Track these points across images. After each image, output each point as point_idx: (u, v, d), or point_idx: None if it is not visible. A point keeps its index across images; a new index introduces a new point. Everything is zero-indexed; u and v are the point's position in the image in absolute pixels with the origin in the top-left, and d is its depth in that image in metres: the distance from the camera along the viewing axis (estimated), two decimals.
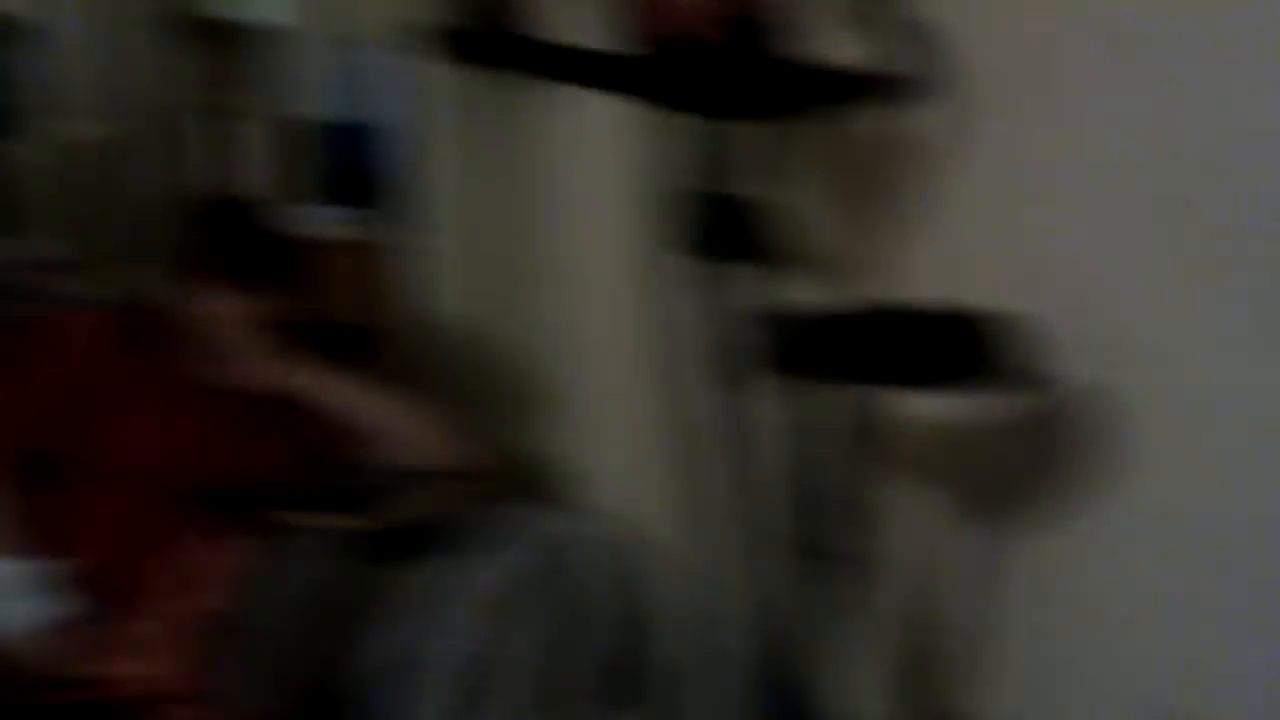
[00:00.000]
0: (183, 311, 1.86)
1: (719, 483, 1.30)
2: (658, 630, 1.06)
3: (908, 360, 1.09)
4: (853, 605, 1.39)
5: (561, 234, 2.32)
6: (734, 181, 1.23)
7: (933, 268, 1.39)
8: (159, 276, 2.75)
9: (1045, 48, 1.29)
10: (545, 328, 2.47)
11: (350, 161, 3.63)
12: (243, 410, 1.87)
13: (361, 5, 3.46)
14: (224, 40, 4.00)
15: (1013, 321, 1.13)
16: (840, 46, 1.29)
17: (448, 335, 2.51)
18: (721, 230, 1.19)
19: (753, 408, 1.25)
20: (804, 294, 1.52)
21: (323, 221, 3.17)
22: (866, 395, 1.17)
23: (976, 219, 1.36)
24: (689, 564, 1.49)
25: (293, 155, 3.74)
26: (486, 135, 2.40)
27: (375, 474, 1.82)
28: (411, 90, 2.64)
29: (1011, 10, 1.31)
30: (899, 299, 1.19)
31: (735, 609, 1.35)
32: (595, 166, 1.66)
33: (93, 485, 1.76)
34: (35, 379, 1.80)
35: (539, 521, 1.84)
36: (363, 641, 1.50)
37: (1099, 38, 1.23)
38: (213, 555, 1.72)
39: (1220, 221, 1.16)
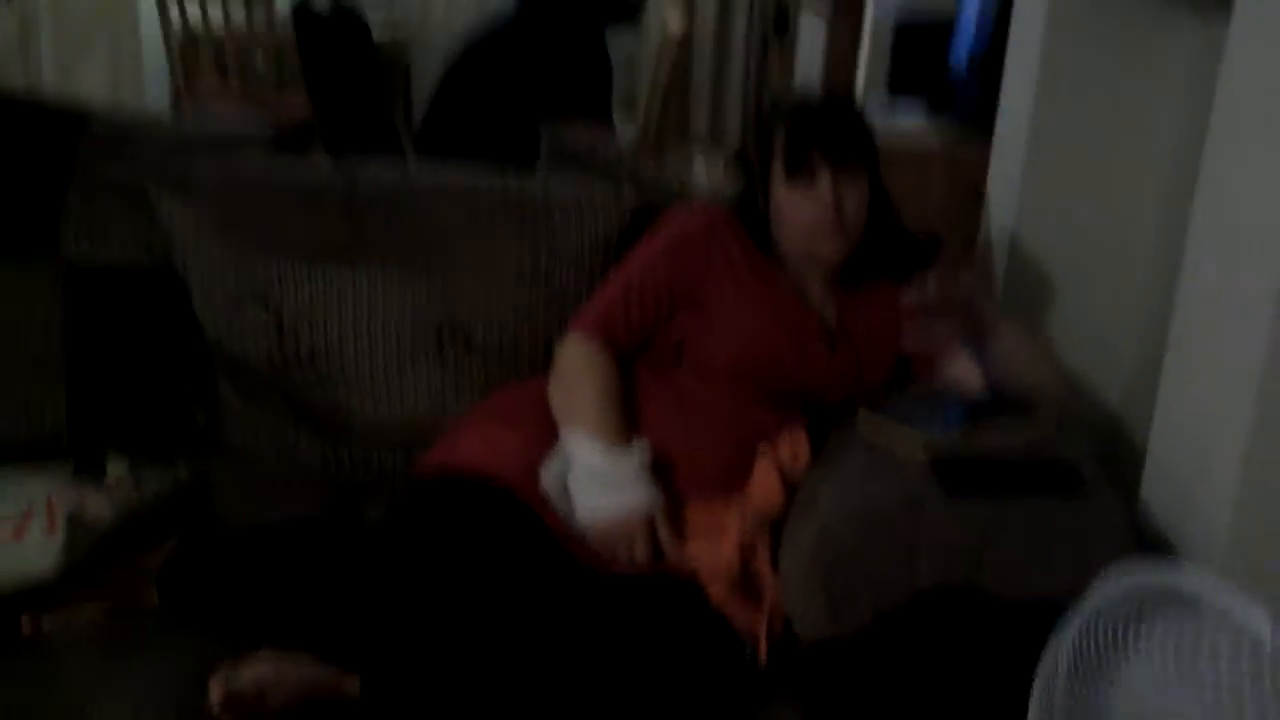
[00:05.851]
0: (775, 204, 1.83)
1: None
2: None
3: None
4: None
5: (1181, 168, 2.11)
6: None
7: None
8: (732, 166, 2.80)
9: None
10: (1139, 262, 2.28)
11: (928, 61, 3.53)
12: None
13: None
14: None
15: None
16: None
17: (1019, 254, 2.39)
18: None
19: None
20: None
21: (897, 120, 3.11)
22: None
23: None
24: None
25: (871, 53, 3.69)
26: (1094, 49, 2.22)
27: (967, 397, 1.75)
28: None
29: None
30: None
31: None
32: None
33: (694, 373, 1.80)
34: (675, 259, 1.83)
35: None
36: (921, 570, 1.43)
37: None
38: (788, 452, 1.72)
39: None
